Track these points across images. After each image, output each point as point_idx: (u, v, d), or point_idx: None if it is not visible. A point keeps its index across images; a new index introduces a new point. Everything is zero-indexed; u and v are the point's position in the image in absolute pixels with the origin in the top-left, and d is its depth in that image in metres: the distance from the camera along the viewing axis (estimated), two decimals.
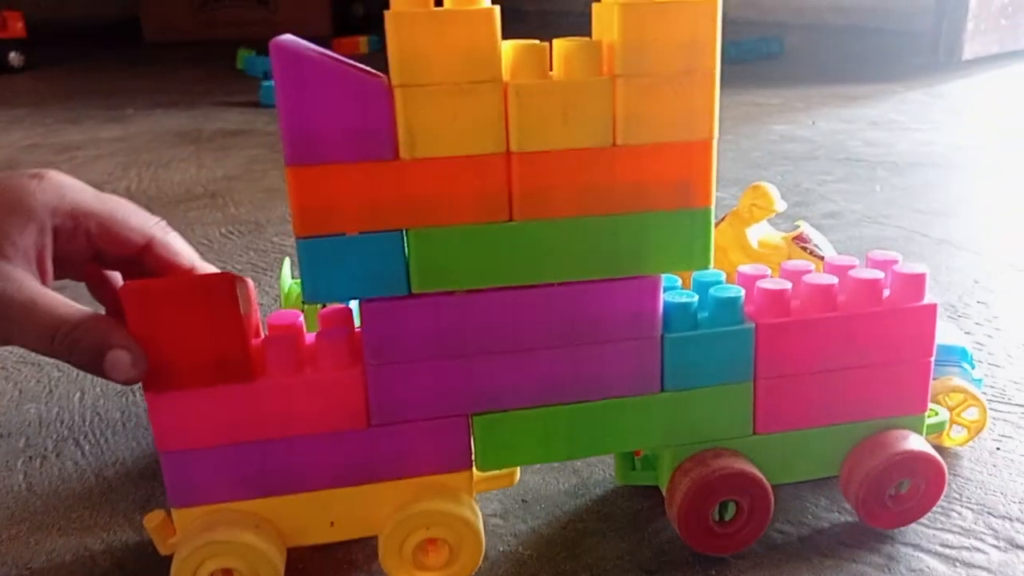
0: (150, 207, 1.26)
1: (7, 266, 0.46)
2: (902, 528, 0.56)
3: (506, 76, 0.45)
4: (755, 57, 2.69)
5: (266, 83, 2.22)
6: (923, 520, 0.57)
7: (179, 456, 0.49)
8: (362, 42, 3.08)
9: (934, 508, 0.57)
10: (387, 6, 0.43)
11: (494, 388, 0.50)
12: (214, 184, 1.46)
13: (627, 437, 0.53)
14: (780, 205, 0.76)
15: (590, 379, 0.51)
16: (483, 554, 0.52)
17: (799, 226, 0.76)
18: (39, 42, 3.06)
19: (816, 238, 0.75)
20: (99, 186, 1.48)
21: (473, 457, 0.52)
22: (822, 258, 0.72)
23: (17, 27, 2.88)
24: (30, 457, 0.68)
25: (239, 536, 0.48)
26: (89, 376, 0.80)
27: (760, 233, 0.77)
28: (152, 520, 0.51)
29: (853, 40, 3.07)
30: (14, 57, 2.91)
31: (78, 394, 0.77)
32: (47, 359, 0.83)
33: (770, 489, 0.54)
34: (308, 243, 0.46)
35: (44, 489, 0.64)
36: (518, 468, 0.56)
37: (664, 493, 0.55)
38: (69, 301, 0.47)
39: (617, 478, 0.58)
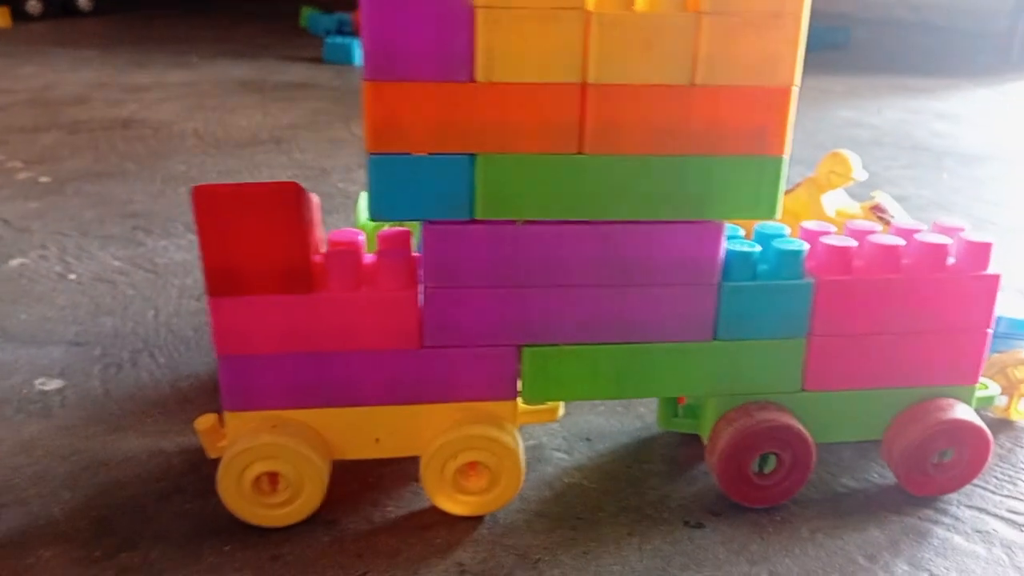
0: (218, 148, 1.29)
1: None
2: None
3: (590, 5, 0.45)
4: (820, 47, 2.63)
5: (330, 40, 2.23)
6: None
7: (236, 361, 0.50)
8: None
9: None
10: None
11: (546, 321, 0.51)
12: (279, 131, 1.48)
13: (675, 383, 0.53)
14: (859, 174, 0.75)
15: (644, 321, 0.51)
16: (522, 483, 0.53)
17: (875, 196, 0.75)
18: None
19: (893, 209, 0.74)
20: (168, 125, 1.52)
21: (520, 388, 0.53)
22: None
23: None
24: (106, 365, 0.70)
25: (288, 441, 0.50)
26: (163, 296, 0.82)
27: (837, 202, 0.76)
28: (203, 423, 0.52)
29: (921, 36, 3.00)
30: (83, 1, 2.96)
31: (152, 311, 0.80)
32: (121, 276, 0.86)
33: (813, 445, 0.53)
34: (379, 160, 0.46)
35: (121, 395, 0.66)
36: (561, 404, 0.57)
37: (705, 442, 0.55)
38: None
39: (659, 423, 0.59)
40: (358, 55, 2.17)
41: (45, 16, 2.85)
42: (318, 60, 2.21)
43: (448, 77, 0.45)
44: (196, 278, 0.87)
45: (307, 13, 2.81)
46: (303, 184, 0.49)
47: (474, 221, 0.48)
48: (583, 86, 0.46)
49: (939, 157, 1.43)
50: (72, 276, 0.87)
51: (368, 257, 0.52)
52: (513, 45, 0.45)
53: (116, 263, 0.90)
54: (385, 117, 0.46)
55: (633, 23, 0.45)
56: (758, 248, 0.52)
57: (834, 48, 2.67)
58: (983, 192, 1.24)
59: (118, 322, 0.77)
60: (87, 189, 1.14)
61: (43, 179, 1.18)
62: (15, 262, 0.90)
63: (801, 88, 0.47)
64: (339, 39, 2.24)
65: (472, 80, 0.45)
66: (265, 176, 1.22)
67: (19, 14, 2.78)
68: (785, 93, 0.47)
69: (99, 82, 1.87)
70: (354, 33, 2.54)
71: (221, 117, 1.57)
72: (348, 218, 1.05)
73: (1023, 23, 2.45)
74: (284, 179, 1.19)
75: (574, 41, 0.45)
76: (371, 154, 0.46)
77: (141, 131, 1.46)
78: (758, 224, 0.54)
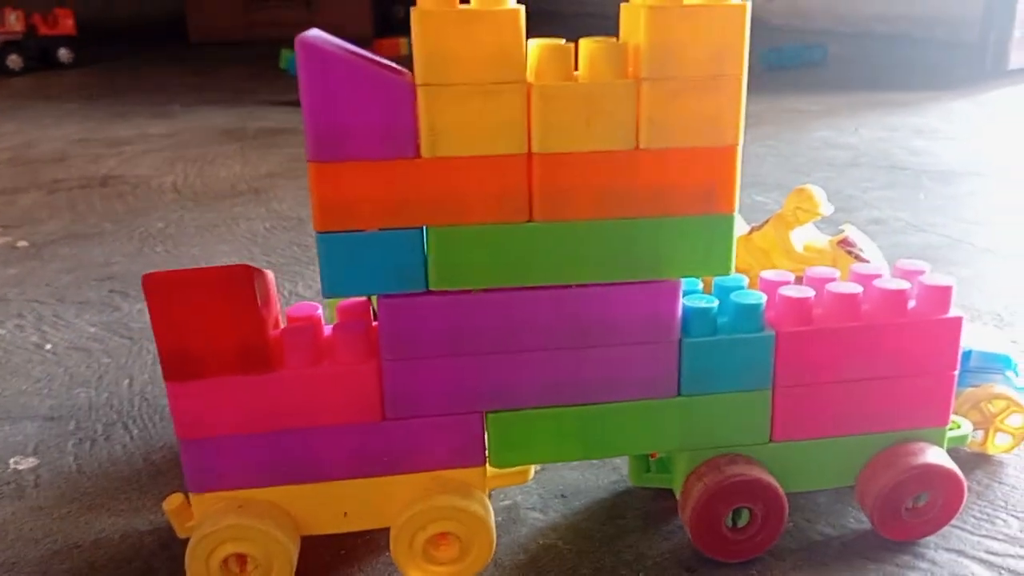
0: (196, 202, 1.29)
1: None
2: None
3: (530, 76, 0.45)
4: (797, 64, 2.65)
5: None
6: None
7: (198, 444, 0.50)
8: (403, 43, 3.09)
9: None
10: None
11: (509, 386, 0.51)
12: (257, 181, 1.49)
13: (642, 440, 0.53)
14: (826, 208, 0.75)
15: (606, 381, 0.51)
16: (493, 551, 0.52)
17: (844, 230, 0.75)
18: (88, 40, 3.13)
19: (862, 242, 0.74)
20: (147, 180, 1.52)
21: (487, 454, 0.52)
22: (867, 262, 0.71)
23: (67, 24, 2.95)
24: (80, 440, 0.70)
25: (254, 522, 0.49)
26: (138, 363, 0.82)
27: (805, 237, 0.76)
28: (171, 503, 0.52)
29: (898, 49, 3.02)
30: (64, 53, 2.98)
31: (127, 380, 0.79)
32: (97, 345, 0.86)
33: (784, 497, 0.53)
34: (328, 238, 0.47)
35: (94, 471, 0.66)
36: (532, 466, 0.57)
37: (678, 497, 0.55)
38: None
39: (631, 479, 0.58)
40: None
41: (26, 70, 2.87)
42: (297, 103, 2.22)
43: (393, 154, 0.45)
44: None
45: (287, 55, 2.82)
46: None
47: (429, 292, 0.48)
48: (528, 156, 0.46)
49: (917, 176, 1.43)
50: (48, 346, 0.87)
51: (327, 329, 0.52)
52: (456, 120, 0.45)
53: (92, 329, 0.90)
54: (332, 196, 0.46)
55: (574, 93, 0.45)
56: (716, 303, 0.52)
57: (811, 65, 2.68)
58: (960, 211, 1.25)
59: (92, 393, 0.77)
60: (64, 252, 1.14)
61: (21, 243, 1.18)
62: None
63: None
64: None
65: (418, 156, 0.45)
66: (243, 228, 1.22)
67: (0, 70, 2.79)
68: (731, 152, 0.47)
69: (80, 137, 1.88)
70: None
71: (200, 168, 1.58)
72: None
73: (995, 32, 2.47)
74: (262, 231, 1.20)
75: (517, 113, 0.45)
76: (320, 233, 0.46)
77: (120, 188, 1.46)
78: (716, 277, 0.54)
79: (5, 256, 1.13)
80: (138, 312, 0.94)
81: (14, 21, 2.83)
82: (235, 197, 1.39)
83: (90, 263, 1.10)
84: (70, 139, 1.86)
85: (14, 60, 2.85)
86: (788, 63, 2.63)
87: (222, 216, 1.29)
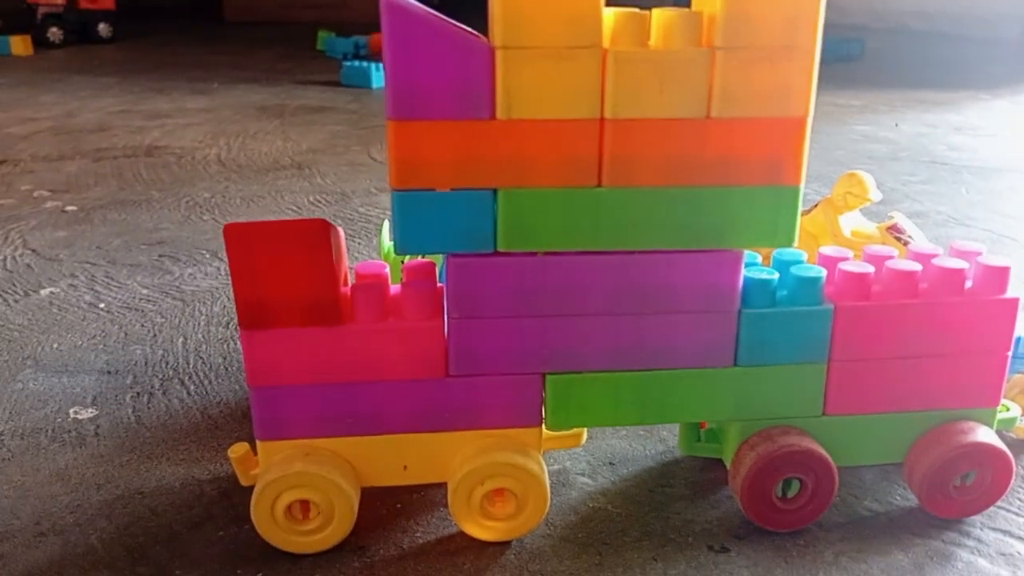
0: (240, 174, 1.31)
1: None
2: (991, 514, 0.56)
3: (606, 43, 0.46)
4: (834, 59, 2.64)
5: (347, 64, 2.26)
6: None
7: (267, 392, 0.51)
8: None
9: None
10: None
11: (569, 349, 0.52)
12: (300, 156, 1.51)
13: (696, 408, 0.54)
14: (875, 195, 0.75)
15: (665, 348, 0.52)
16: (547, 509, 0.53)
17: (893, 216, 0.76)
18: (126, 15, 3.17)
19: (910, 229, 0.75)
20: (191, 152, 1.56)
21: (543, 415, 0.54)
22: None
23: None
24: (138, 393, 0.72)
25: (319, 470, 0.51)
26: (191, 323, 0.84)
27: (853, 223, 0.77)
28: (236, 451, 0.53)
29: (935, 45, 2.99)
30: (103, 28, 3.02)
31: (181, 339, 0.81)
32: (150, 306, 0.88)
33: (835, 469, 0.54)
34: (403, 196, 0.48)
35: (152, 423, 0.67)
36: (585, 430, 0.58)
37: (728, 466, 0.56)
38: None
39: (681, 448, 0.59)
40: (375, 78, 2.20)
41: (66, 43, 2.91)
42: (335, 83, 2.24)
43: (469, 115, 0.46)
44: (223, 305, 0.88)
45: (324, 36, 2.85)
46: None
47: (496, 253, 0.49)
48: (600, 121, 0.47)
49: (957, 171, 1.43)
50: (102, 305, 0.89)
51: (394, 288, 0.54)
52: (531, 83, 0.46)
53: (144, 291, 0.92)
54: (409, 155, 0.47)
55: (648, 60, 0.46)
56: (776, 275, 0.52)
57: (848, 60, 2.67)
58: (1002, 206, 1.24)
59: (148, 350, 0.79)
60: (113, 217, 1.17)
61: (70, 208, 1.21)
62: (45, 291, 0.92)
63: (817, 103, 0.48)
64: (356, 62, 2.26)
65: (492, 118, 0.46)
66: (288, 201, 1.24)
67: (41, 42, 2.83)
68: (800, 123, 0.48)
69: (120, 109, 1.91)
70: (371, 56, 2.57)
71: (243, 143, 1.60)
72: (370, 242, 1.07)
73: None
74: (306, 204, 1.22)
75: (591, 78, 0.46)
76: (395, 190, 0.48)
77: (164, 158, 1.48)
78: (776, 251, 0.55)
79: (55, 219, 1.16)
80: (189, 276, 0.96)
81: None
82: (278, 171, 1.41)
83: (139, 228, 1.12)
84: (110, 110, 1.89)
85: (54, 32, 2.89)
86: (825, 57, 2.61)
87: (266, 188, 1.31)
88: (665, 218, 0.49)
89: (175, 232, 1.11)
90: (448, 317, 0.51)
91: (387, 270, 0.54)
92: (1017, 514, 0.57)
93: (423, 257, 0.58)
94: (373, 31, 2.60)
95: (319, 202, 1.24)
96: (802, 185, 0.49)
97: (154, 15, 3.95)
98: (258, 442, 0.53)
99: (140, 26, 3.45)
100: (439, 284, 0.54)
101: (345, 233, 1.08)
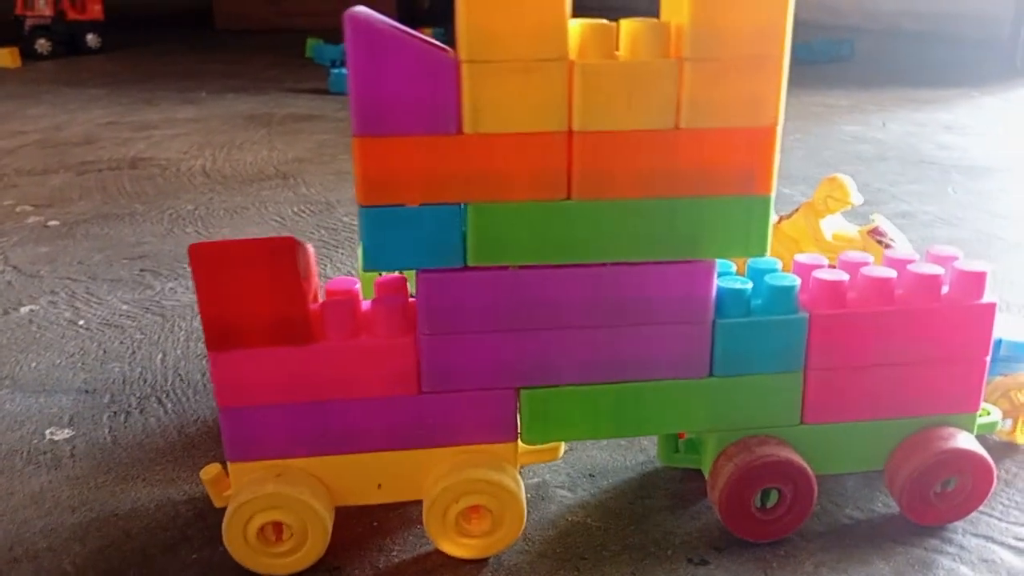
0: (225, 186, 1.30)
1: None
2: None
3: (572, 55, 0.46)
4: (825, 59, 2.64)
5: (335, 71, 2.26)
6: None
7: (237, 412, 0.51)
8: (427, 34, 3.10)
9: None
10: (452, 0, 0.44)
11: (543, 363, 0.51)
12: (285, 166, 1.50)
13: (673, 419, 0.54)
14: (856, 198, 0.75)
15: (638, 360, 0.52)
16: (524, 525, 0.53)
17: (874, 219, 0.75)
18: (115, 26, 3.16)
19: (892, 232, 0.74)
20: (176, 164, 1.55)
21: (519, 430, 0.53)
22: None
23: (96, 9, 2.98)
24: (115, 412, 0.71)
25: (291, 491, 0.50)
26: (170, 339, 0.83)
27: (835, 226, 0.76)
28: (209, 473, 0.53)
29: (927, 46, 3.00)
30: (92, 39, 3.01)
31: (160, 355, 0.81)
32: (129, 322, 0.87)
33: (814, 478, 0.53)
34: (371, 212, 0.47)
35: (129, 442, 0.67)
36: (562, 443, 0.57)
37: (707, 477, 0.55)
38: None
39: (659, 459, 0.59)
40: None
41: (54, 55, 2.90)
42: (323, 91, 2.23)
43: (436, 130, 0.46)
44: None
45: (312, 44, 2.84)
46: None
47: (467, 268, 0.49)
48: (568, 134, 0.46)
49: (946, 171, 1.43)
50: (81, 322, 0.88)
51: (365, 304, 0.53)
52: (498, 97, 0.45)
53: (124, 307, 0.91)
54: (375, 171, 0.46)
55: (615, 72, 0.45)
56: (750, 284, 0.52)
57: (838, 61, 2.67)
58: (990, 205, 1.24)
59: (126, 368, 0.78)
60: (95, 231, 1.16)
61: (52, 223, 1.20)
62: (25, 309, 0.91)
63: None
64: (344, 70, 2.26)
65: (460, 132, 0.46)
66: (272, 212, 1.24)
67: (29, 54, 2.82)
68: (770, 133, 0.47)
69: (108, 120, 1.90)
70: None
71: (228, 153, 1.59)
72: (353, 252, 1.06)
73: None
74: (290, 214, 1.21)
75: (558, 91, 0.46)
76: (363, 207, 0.47)
77: (149, 170, 1.48)
78: (750, 260, 0.54)
79: (37, 234, 1.15)
80: (170, 291, 0.96)
81: (43, 5, 2.86)
82: (263, 181, 1.40)
83: (121, 243, 1.12)
84: (98, 122, 1.88)
85: (42, 44, 2.88)
86: (816, 58, 2.62)
87: (251, 199, 1.30)
88: (636, 230, 0.49)
89: (157, 246, 1.10)
90: (420, 333, 0.50)
91: (359, 286, 0.53)
92: (1000, 519, 0.57)
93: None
94: None
95: (303, 212, 1.23)
96: (773, 194, 0.49)
97: (144, 25, 3.94)
98: (229, 463, 0.52)
99: (129, 36, 3.45)
100: (411, 299, 0.53)
101: (329, 243, 1.09)
